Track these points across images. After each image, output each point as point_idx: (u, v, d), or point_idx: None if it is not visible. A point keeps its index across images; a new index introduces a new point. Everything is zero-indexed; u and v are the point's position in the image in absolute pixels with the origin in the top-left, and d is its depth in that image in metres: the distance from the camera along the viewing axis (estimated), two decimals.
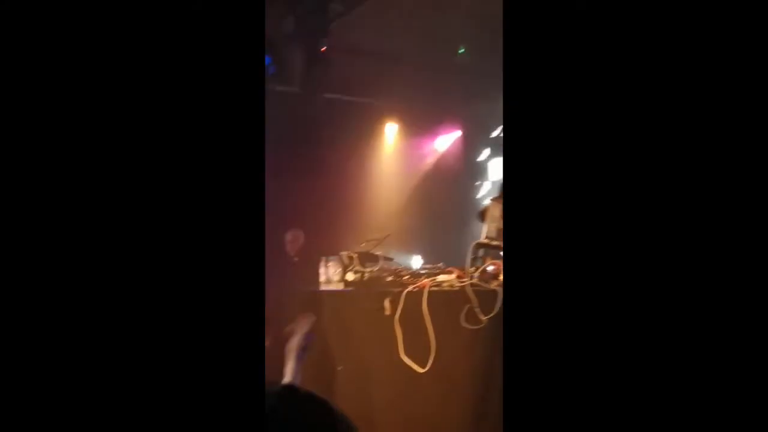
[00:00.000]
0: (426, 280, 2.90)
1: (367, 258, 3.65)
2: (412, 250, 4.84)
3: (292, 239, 5.64)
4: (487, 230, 2.83)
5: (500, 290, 2.53)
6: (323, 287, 3.72)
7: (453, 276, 2.83)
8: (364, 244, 4.03)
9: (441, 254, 4.09)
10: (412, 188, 6.83)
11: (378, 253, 3.69)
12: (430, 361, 2.69)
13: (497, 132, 7.24)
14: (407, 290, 2.89)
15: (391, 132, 6.93)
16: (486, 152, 7.66)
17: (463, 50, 6.31)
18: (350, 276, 3.55)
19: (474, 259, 2.76)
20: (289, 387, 1.08)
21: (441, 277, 2.87)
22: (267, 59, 5.45)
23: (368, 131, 6.69)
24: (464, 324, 2.59)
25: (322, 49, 5.60)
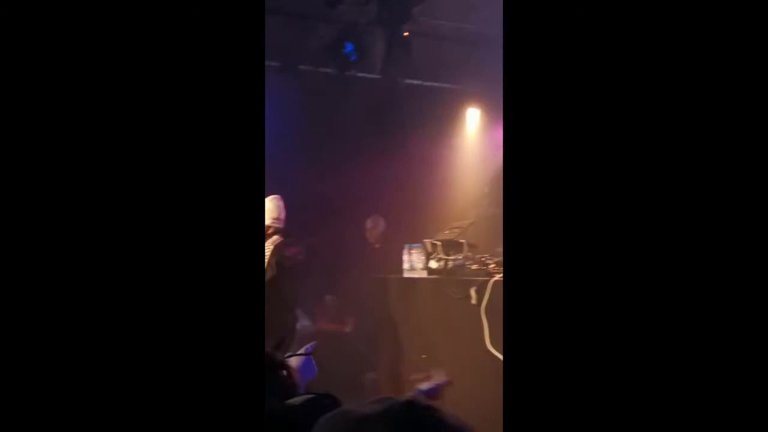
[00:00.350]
0: None
1: (450, 246, 3.61)
2: (496, 238, 4.75)
3: (372, 226, 5.65)
4: None
5: None
6: (406, 275, 3.71)
7: None
8: (447, 232, 3.98)
9: None
10: (495, 174, 6.67)
11: (462, 240, 3.64)
12: None
13: None
14: (494, 279, 2.84)
15: (473, 117, 6.80)
16: None
17: None
18: (433, 264, 3.52)
19: None
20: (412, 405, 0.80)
21: None
22: (349, 46, 5.45)
23: (451, 116, 6.59)
24: None
25: (405, 34, 5.54)
